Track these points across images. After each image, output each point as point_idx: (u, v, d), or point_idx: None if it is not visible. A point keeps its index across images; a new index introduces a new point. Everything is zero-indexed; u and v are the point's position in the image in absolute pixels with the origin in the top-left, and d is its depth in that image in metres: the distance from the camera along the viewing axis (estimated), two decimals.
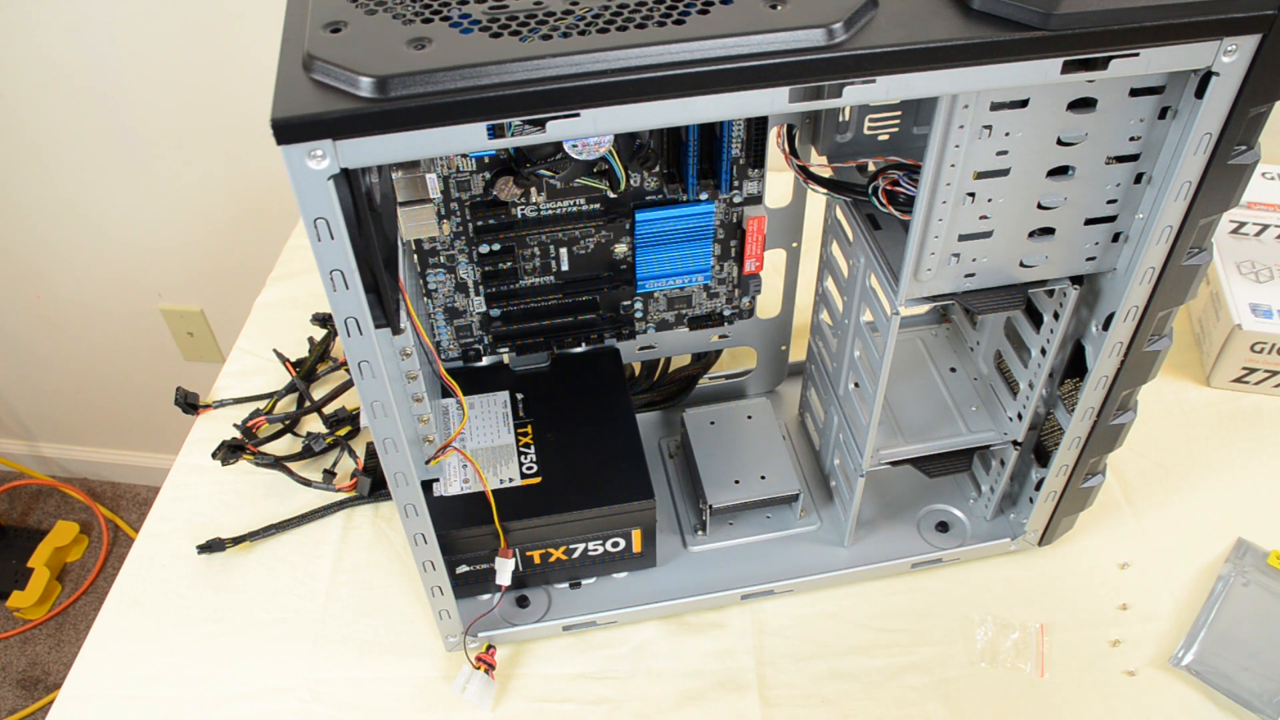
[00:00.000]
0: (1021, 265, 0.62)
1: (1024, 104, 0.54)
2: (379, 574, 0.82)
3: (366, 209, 0.48)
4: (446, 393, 0.77)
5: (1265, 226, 0.97)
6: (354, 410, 0.92)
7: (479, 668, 0.73)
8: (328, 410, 0.92)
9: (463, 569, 0.75)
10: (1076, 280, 0.64)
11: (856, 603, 0.79)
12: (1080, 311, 0.67)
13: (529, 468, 0.75)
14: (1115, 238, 0.61)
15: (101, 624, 0.79)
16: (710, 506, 0.79)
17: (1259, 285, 0.93)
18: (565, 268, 0.76)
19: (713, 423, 0.85)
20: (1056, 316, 0.67)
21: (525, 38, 0.45)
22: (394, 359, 0.63)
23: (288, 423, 0.92)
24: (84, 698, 0.75)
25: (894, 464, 0.76)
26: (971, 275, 0.62)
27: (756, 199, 0.75)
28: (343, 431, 0.91)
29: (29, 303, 1.54)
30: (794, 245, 0.81)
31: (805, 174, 0.70)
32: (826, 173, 0.70)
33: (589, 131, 0.46)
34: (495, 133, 0.45)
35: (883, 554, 0.81)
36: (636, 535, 0.76)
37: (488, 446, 0.76)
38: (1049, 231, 0.61)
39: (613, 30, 0.45)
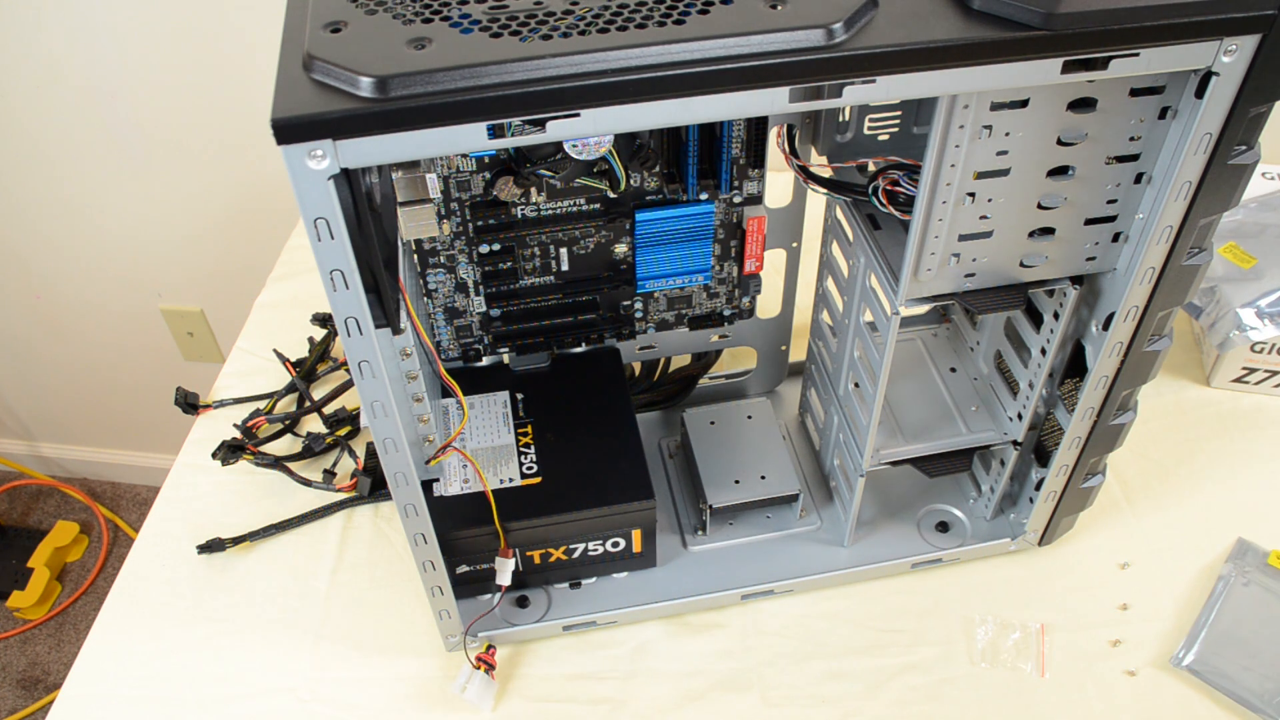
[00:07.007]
0: (1021, 265, 0.62)
1: (1024, 104, 0.54)
2: (379, 574, 0.82)
3: (366, 209, 0.48)
4: (446, 393, 0.77)
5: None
6: (354, 410, 0.92)
7: (479, 667, 0.73)
8: (328, 410, 0.92)
9: (463, 569, 0.75)
10: (1076, 280, 0.64)
11: (856, 603, 0.79)
12: (1080, 311, 0.67)
13: (529, 468, 0.75)
14: (1115, 238, 0.61)
15: (101, 624, 0.79)
16: (710, 506, 0.79)
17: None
18: (565, 268, 0.76)
19: (713, 423, 0.85)
20: (1056, 316, 0.67)
21: (525, 38, 0.45)
22: (394, 359, 0.63)
23: (288, 423, 0.92)
24: (84, 698, 0.75)
25: (894, 464, 0.76)
26: (971, 275, 0.62)
27: (756, 199, 0.75)
28: (343, 431, 0.91)
29: (29, 303, 1.54)
30: (794, 245, 0.81)
31: (805, 174, 0.70)
32: (826, 173, 0.70)
33: (589, 131, 0.46)
34: (495, 133, 0.45)
35: (883, 554, 0.81)
36: (636, 535, 0.76)
37: (488, 446, 0.76)
38: (1049, 231, 0.61)
39: (613, 30, 0.45)
